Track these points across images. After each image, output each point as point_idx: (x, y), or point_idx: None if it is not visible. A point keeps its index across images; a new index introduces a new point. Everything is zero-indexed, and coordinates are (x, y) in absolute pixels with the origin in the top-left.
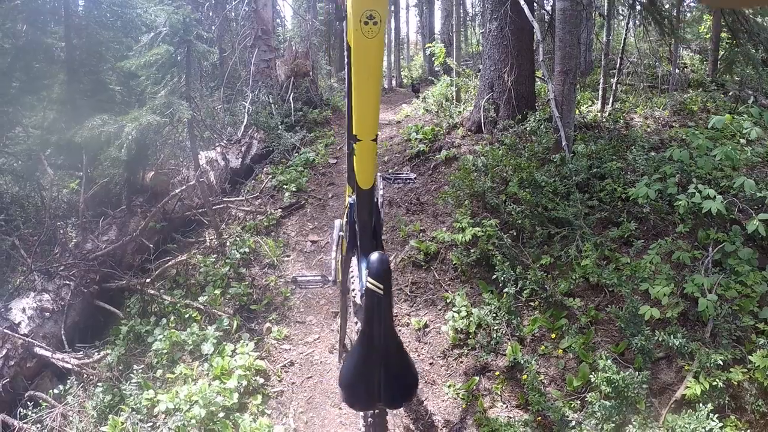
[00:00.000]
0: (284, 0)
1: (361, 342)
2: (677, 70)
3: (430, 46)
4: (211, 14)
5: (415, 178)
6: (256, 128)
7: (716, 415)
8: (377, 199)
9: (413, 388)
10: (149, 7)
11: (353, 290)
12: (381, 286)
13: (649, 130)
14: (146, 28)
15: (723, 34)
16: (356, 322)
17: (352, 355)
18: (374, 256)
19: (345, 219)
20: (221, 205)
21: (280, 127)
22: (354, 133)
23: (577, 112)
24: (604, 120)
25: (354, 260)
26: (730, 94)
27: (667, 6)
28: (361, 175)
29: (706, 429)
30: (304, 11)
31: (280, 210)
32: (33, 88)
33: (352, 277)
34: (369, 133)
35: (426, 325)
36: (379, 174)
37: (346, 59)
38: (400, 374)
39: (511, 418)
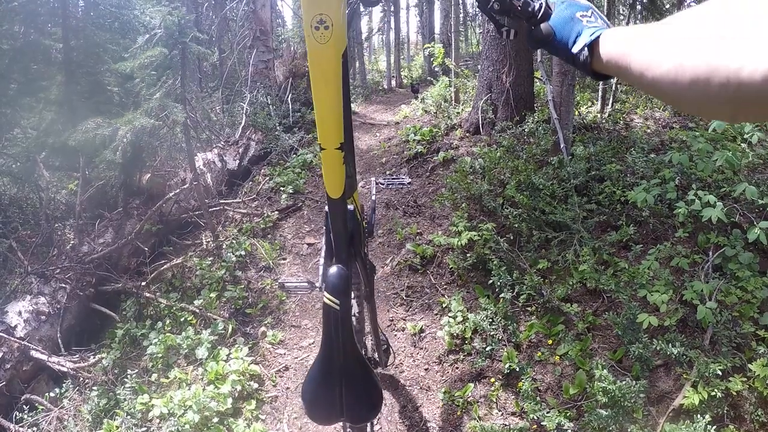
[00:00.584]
0: (283, 0)
1: (320, 357)
2: None
3: (428, 47)
4: (210, 14)
5: (409, 182)
6: (254, 129)
7: (715, 426)
8: (362, 205)
9: (377, 404)
10: (147, 8)
11: None
12: (337, 302)
13: (649, 131)
14: (144, 30)
15: None
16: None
17: (313, 369)
18: (332, 269)
19: (324, 227)
20: (218, 207)
21: (278, 128)
22: (318, 141)
23: (576, 113)
24: (604, 121)
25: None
26: None
27: (667, 6)
28: (329, 184)
29: None
30: None
31: (276, 212)
32: (31, 90)
33: None
34: (332, 142)
35: (422, 330)
36: (373, 178)
37: None
38: (362, 390)
39: (506, 426)
